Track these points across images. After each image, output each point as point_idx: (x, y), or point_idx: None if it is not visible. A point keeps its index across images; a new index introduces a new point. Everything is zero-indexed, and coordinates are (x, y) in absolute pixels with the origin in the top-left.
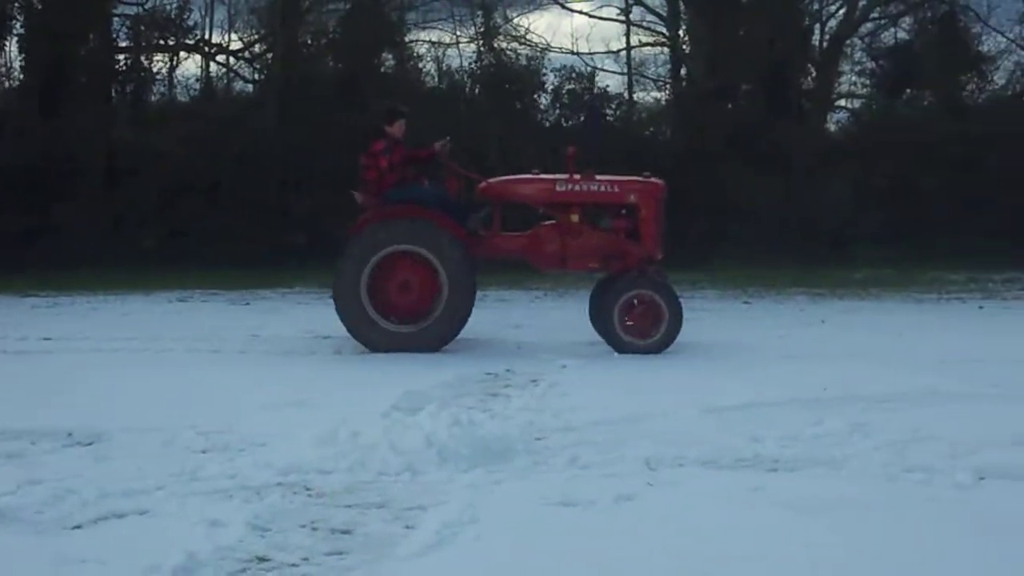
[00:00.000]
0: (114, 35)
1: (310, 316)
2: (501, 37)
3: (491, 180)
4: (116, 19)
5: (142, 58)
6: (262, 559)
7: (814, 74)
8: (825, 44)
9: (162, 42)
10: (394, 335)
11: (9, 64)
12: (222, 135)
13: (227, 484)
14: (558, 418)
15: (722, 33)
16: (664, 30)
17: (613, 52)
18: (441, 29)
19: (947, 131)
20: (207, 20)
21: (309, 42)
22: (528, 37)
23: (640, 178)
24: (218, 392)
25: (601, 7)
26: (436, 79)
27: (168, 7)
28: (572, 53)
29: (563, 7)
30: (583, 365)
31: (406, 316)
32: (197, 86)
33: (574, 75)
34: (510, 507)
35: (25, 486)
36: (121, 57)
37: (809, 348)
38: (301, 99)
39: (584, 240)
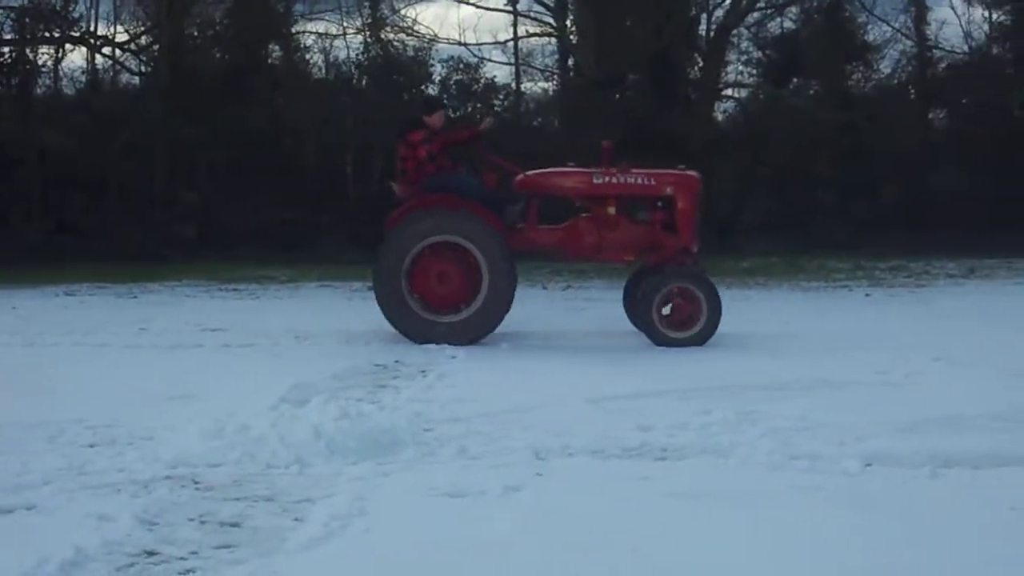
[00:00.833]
0: None
1: (198, 309)
2: (388, 28)
3: (528, 173)
4: (0, 11)
5: (27, 51)
6: (151, 553)
7: (701, 64)
8: (712, 34)
9: (47, 34)
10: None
11: None
12: (109, 128)
13: (115, 478)
14: (446, 409)
15: (609, 23)
16: (552, 20)
17: (501, 43)
18: (328, 20)
19: (833, 120)
20: (93, 12)
21: (196, 34)
22: (415, 28)
23: (676, 171)
24: (105, 386)
25: None
26: (323, 70)
27: None
28: (460, 44)
29: None
30: (472, 356)
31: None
32: (83, 78)
33: (462, 66)
34: (399, 499)
35: None
36: (6, 50)
37: None
38: (188, 91)
39: (621, 232)
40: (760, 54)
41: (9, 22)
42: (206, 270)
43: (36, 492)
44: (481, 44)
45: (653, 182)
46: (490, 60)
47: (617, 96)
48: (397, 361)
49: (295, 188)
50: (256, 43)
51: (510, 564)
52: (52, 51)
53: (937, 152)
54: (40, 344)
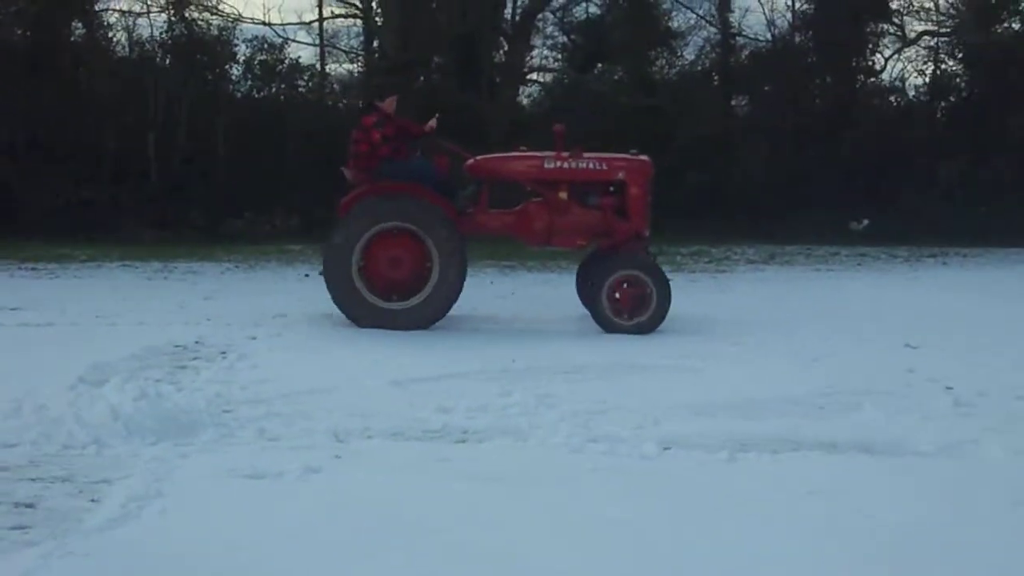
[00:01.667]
0: None
1: None
2: (192, 7)
3: (479, 157)
4: None
5: None
6: None
7: (506, 48)
8: (518, 18)
9: None
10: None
11: None
12: None
13: None
14: (246, 390)
15: (414, 5)
16: (357, 2)
17: (306, 23)
18: None
19: (636, 106)
20: None
21: None
22: (220, 7)
23: (628, 155)
24: None
25: None
26: (126, 49)
27: None
28: (264, 24)
29: None
30: (272, 337)
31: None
32: None
33: (266, 46)
34: (197, 480)
35: None
36: None
37: (498, 321)
38: None
39: (572, 217)
40: (566, 39)
41: None
42: (3, 248)
43: None
44: (286, 24)
45: (605, 167)
46: (295, 40)
47: (421, 79)
48: (197, 342)
49: (96, 167)
50: (58, 20)
51: (308, 546)
52: None
53: (739, 138)
54: None
